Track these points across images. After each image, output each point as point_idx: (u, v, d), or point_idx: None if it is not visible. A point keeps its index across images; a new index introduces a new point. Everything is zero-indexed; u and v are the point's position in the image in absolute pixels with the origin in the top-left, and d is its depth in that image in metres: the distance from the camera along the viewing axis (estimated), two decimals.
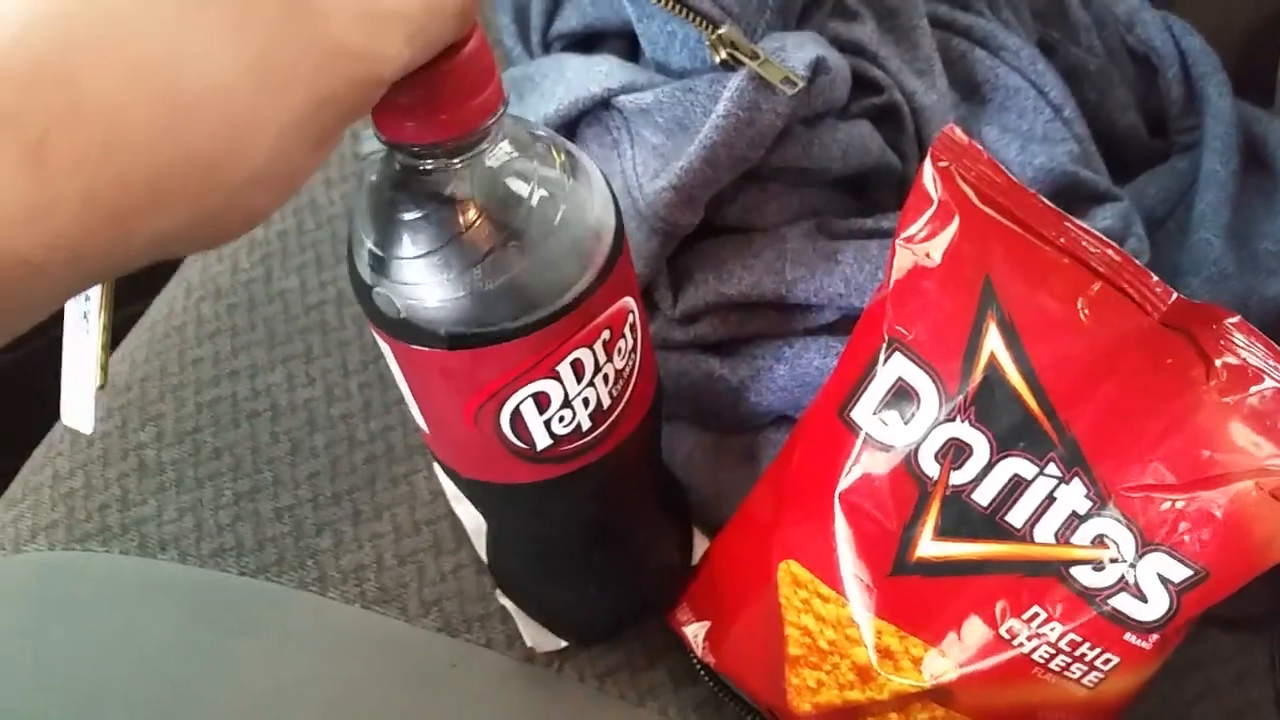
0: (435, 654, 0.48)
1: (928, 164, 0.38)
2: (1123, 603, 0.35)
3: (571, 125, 0.50)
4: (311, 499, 0.52)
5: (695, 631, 0.45)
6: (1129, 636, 0.35)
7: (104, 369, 0.36)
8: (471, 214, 0.31)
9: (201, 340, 0.57)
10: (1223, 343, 0.35)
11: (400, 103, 0.28)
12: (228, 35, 0.23)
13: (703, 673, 0.46)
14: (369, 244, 0.32)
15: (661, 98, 0.47)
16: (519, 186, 0.32)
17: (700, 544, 0.48)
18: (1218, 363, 0.35)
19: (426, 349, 0.33)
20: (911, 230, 0.38)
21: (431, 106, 0.29)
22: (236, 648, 0.48)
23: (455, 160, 0.31)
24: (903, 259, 0.39)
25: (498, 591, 0.49)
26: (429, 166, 0.31)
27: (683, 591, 0.46)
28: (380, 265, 0.32)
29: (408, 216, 0.32)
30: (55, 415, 0.39)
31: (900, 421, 0.38)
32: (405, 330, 0.33)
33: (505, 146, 0.32)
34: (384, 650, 0.48)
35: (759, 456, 0.48)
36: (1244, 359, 0.34)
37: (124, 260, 0.24)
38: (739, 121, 0.44)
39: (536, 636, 0.48)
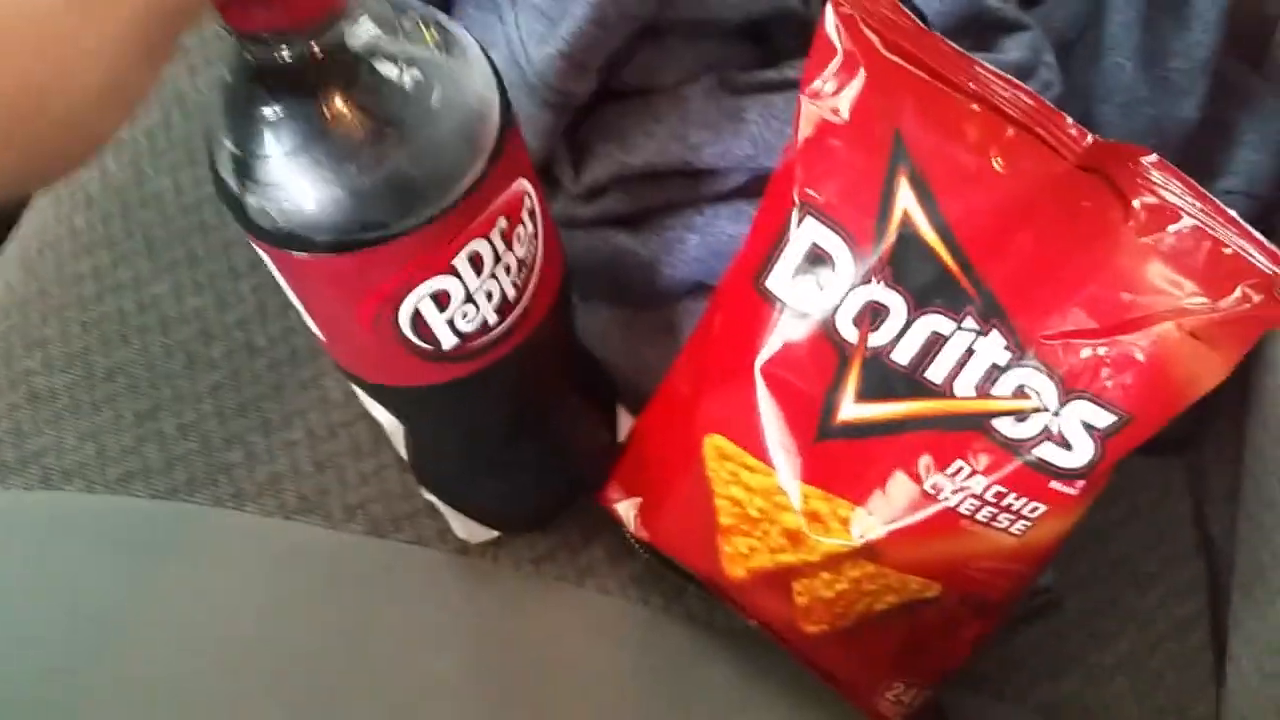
0: (366, 558, 0.48)
1: (829, 11, 0.36)
2: (1047, 452, 0.35)
3: None
4: (216, 413, 0.50)
5: (627, 509, 0.45)
6: (1055, 484, 0.35)
7: None
8: (338, 104, 0.29)
9: (79, 255, 0.54)
10: (1140, 181, 0.34)
11: None
12: None
13: (638, 547, 0.46)
14: (229, 146, 0.30)
15: None
16: (387, 68, 0.29)
17: (625, 420, 0.48)
18: (1136, 203, 0.34)
19: (309, 255, 0.30)
20: (817, 84, 0.36)
21: None
22: (158, 574, 0.47)
23: (312, 46, 0.28)
24: (809, 115, 0.37)
25: (423, 488, 0.48)
26: (284, 56, 0.28)
27: (612, 470, 0.46)
28: (245, 169, 0.30)
29: (268, 113, 0.29)
30: None
31: (816, 287, 0.37)
32: (282, 237, 0.30)
33: (367, 24, 0.29)
34: (312, 560, 0.47)
35: (677, 328, 0.47)
36: (1162, 197, 0.33)
37: None
38: None
39: (468, 528, 0.47)
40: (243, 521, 0.48)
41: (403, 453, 0.48)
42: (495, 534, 0.47)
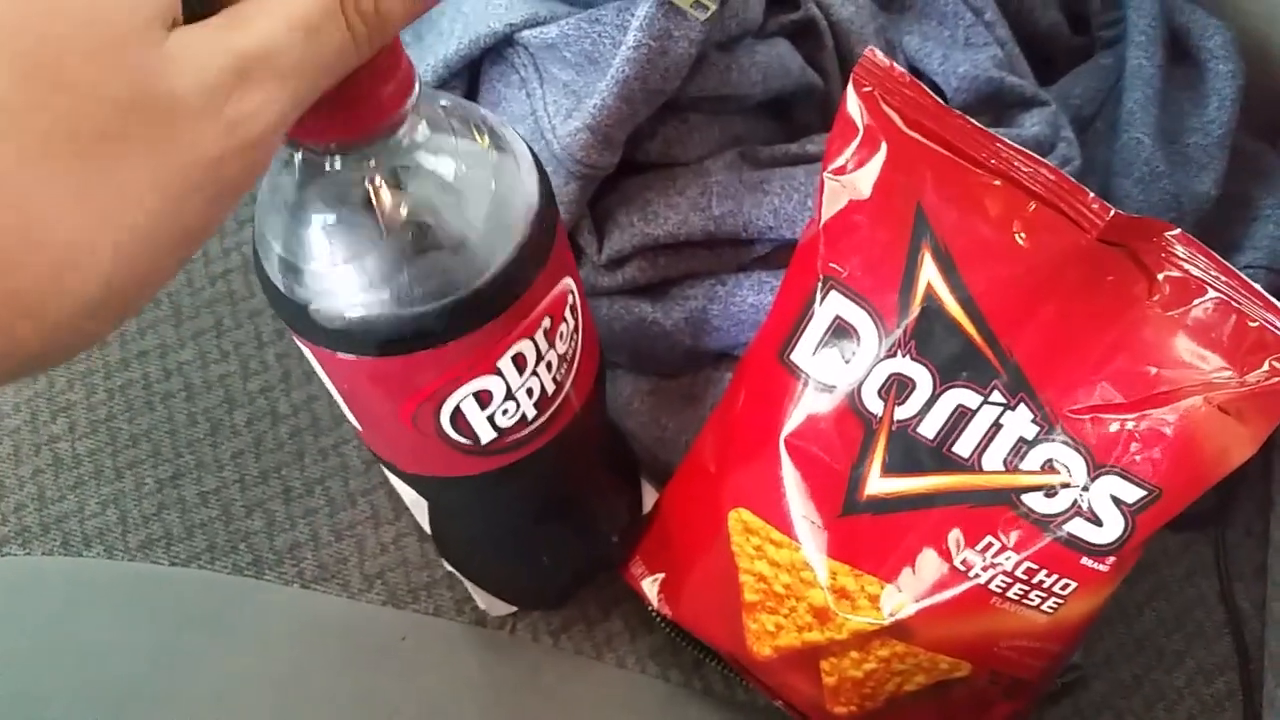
0: (384, 628, 0.47)
1: (850, 91, 0.36)
2: (1077, 527, 0.35)
3: (474, 66, 0.47)
4: (238, 479, 0.50)
5: (650, 584, 0.44)
6: (1085, 561, 0.35)
7: None
8: (391, 212, 0.27)
9: None
10: (1164, 256, 0.34)
11: None
12: (47, 156, 0.19)
13: (659, 620, 0.45)
14: (278, 250, 0.29)
15: (568, 30, 0.44)
16: (441, 178, 0.28)
17: (649, 494, 0.47)
18: (1160, 277, 0.34)
19: (355, 356, 0.29)
20: (839, 161, 0.37)
21: (336, 102, 0.24)
22: (175, 642, 0.46)
23: (367, 155, 0.26)
24: (832, 192, 0.37)
25: (444, 561, 0.47)
26: (339, 165, 0.27)
27: (635, 545, 0.45)
28: (294, 272, 0.29)
29: (320, 220, 0.28)
30: None
31: (841, 361, 0.37)
32: (329, 338, 0.29)
33: (422, 129, 0.28)
34: (329, 630, 0.47)
35: (700, 397, 0.47)
36: (1186, 271, 0.33)
37: None
38: (651, 51, 0.42)
39: (488, 600, 0.46)
40: (261, 590, 0.47)
41: (424, 524, 0.47)
42: (515, 607, 0.47)
